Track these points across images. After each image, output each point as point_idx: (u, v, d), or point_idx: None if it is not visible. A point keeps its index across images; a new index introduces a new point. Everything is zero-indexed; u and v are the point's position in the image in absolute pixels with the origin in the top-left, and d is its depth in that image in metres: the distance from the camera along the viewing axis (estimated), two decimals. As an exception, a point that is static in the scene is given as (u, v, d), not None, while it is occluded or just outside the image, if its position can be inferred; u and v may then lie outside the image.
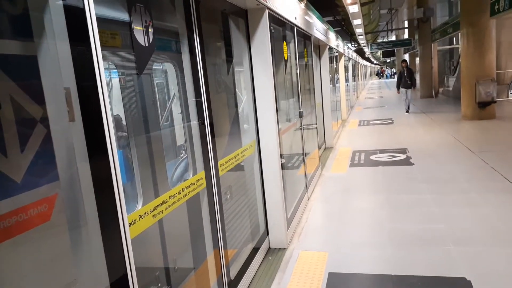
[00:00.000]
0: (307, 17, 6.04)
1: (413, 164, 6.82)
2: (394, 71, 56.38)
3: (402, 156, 7.41)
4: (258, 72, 3.75)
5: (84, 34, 1.52)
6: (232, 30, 3.65)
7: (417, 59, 23.27)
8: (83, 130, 1.53)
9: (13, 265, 2.16)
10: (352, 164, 7.23)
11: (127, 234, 1.67)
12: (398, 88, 14.40)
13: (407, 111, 14.02)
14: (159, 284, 2.87)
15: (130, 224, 1.77)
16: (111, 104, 1.91)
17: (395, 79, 19.00)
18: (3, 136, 2.06)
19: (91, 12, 1.53)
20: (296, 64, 5.30)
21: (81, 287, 1.94)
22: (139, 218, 1.92)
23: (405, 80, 13.91)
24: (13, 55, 1.96)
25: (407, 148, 8.03)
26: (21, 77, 2.17)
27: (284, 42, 4.67)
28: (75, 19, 1.51)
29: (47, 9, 1.54)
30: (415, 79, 14.62)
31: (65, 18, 1.49)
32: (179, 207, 2.39)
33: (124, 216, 1.65)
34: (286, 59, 4.70)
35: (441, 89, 21.24)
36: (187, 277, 2.99)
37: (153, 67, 3.45)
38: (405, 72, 13.97)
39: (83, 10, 1.51)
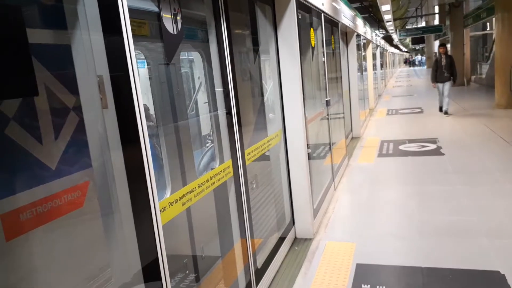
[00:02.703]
0: (334, 3, 5.91)
1: (443, 154, 6.63)
2: (423, 58, 54.63)
3: (432, 146, 7.22)
4: (284, 60, 3.71)
5: (116, 24, 1.53)
6: (258, 18, 3.62)
7: (448, 46, 22.48)
8: (116, 117, 1.55)
9: (48, 249, 2.24)
10: (380, 154, 7.10)
11: (159, 220, 1.69)
12: (433, 80, 10.77)
13: (443, 111, 10.74)
14: (187, 271, 2.92)
15: (160, 211, 1.79)
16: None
17: (423, 67, 17.05)
18: (39, 124, 2.12)
19: (124, 2, 1.55)
20: (323, 52, 5.21)
21: (113, 271, 1.99)
22: (169, 205, 1.94)
23: (443, 71, 10.42)
24: (48, 45, 2.00)
25: (437, 138, 7.81)
26: (55, 66, 2.22)
27: (311, 29, 4.59)
28: (108, 9, 1.52)
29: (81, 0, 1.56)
30: (456, 70, 10.54)
31: (98, 8, 1.50)
32: (206, 195, 2.41)
33: (156, 202, 1.67)
34: (313, 46, 4.62)
35: (473, 77, 20.49)
36: (214, 265, 3.03)
37: (180, 57, 3.46)
38: (443, 60, 10.44)
39: (115, 1, 1.53)
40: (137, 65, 1.64)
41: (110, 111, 1.57)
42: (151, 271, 1.73)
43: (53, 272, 2.26)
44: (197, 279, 2.90)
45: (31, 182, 2.08)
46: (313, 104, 4.71)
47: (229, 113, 2.67)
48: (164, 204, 1.88)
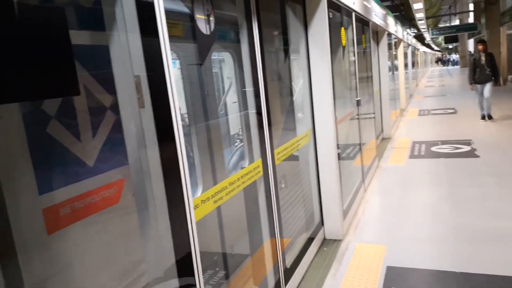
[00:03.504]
0: (365, 2, 5.83)
1: (478, 156, 6.41)
2: (457, 57, 52.88)
3: (466, 148, 6.99)
4: (315, 60, 3.69)
5: (153, 26, 1.57)
6: (289, 17, 3.61)
7: (484, 44, 21.65)
8: (152, 116, 1.59)
9: (85, 244, 2.31)
10: (412, 156, 6.93)
11: (192, 217, 1.73)
12: (471, 81, 9.64)
13: (484, 117, 9.49)
14: (217, 268, 2.96)
15: (194, 208, 1.83)
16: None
17: (456, 67, 15.90)
18: (77, 122, 2.20)
19: (160, 5, 1.59)
20: (354, 51, 5.14)
21: (148, 265, 2.04)
22: (202, 202, 1.97)
23: (483, 70, 9.29)
24: (86, 45, 2.08)
25: (471, 140, 7.55)
26: (93, 66, 2.30)
27: (342, 28, 4.54)
28: (145, 11, 1.57)
29: (119, 2, 1.61)
30: (498, 69, 9.53)
31: (136, 10, 1.55)
32: (237, 194, 2.43)
33: (190, 200, 1.71)
34: (344, 45, 4.57)
35: (510, 77, 19.68)
36: (243, 263, 3.05)
37: (211, 57, 3.51)
38: (482, 58, 9.35)
39: (152, 3, 1.57)
40: (173, 66, 1.68)
41: (146, 110, 1.62)
42: (184, 266, 1.76)
43: (89, 266, 2.34)
44: (227, 276, 2.93)
45: (70, 178, 2.16)
46: (343, 103, 4.66)
47: (259, 113, 2.69)
48: (197, 202, 1.92)
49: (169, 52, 1.62)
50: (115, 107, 2.35)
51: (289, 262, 3.03)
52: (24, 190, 1.92)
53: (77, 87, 1.36)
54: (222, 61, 5.76)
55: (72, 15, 1.88)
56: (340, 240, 3.86)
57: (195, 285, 1.80)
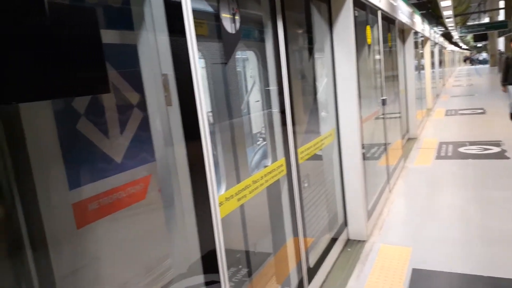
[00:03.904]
0: (391, 0, 5.73)
1: (508, 158, 6.20)
2: (486, 56, 51.21)
3: (496, 149, 6.77)
4: (340, 58, 3.66)
5: (181, 25, 1.60)
6: (313, 16, 3.59)
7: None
8: (179, 114, 1.61)
9: (112, 239, 2.36)
10: (438, 156, 6.77)
11: (218, 214, 1.74)
12: (504, 83, 9.10)
13: None
14: (240, 266, 2.97)
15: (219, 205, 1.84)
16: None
17: (485, 66, 14.79)
18: (106, 120, 2.25)
19: (187, 4, 1.61)
20: (379, 49, 5.07)
21: (173, 261, 2.07)
22: (226, 200, 1.99)
23: None
24: (115, 44, 2.12)
25: (501, 141, 7.31)
26: (121, 65, 2.34)
27: (368, 27, 4.48)
28: (173, 10, 1.59)
29: (147, 2, 1.64)
30: None
31: (164, 10, 1.57)
32: (260, 192, 2.44)
33: (215, 197, 1.73)
34: (369, 44, 4.51)
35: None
36: (266, 262, 3.06)
37: (235, 56, 3.52)
38: None
39: (180, 3, 1.59)
40: (202, 64, 1.70)
41: (174, 108, 1.64)
42: (209, 263, 1.78)
43: (116, 260, 2.39)
44: (249, 274, 2.94)
45: (98, 174, 2.21)
46: (369, 103, 4.60)
47: (282, 111, 2.68)
48: (221, 199, 1.93)
49: (196, 51, 1.64)
50: (142, 105, 2.39)
51: (312, 261, 3.01)
52: (55, 185, 1.98)
53: (107, 85, 1.39)
54: (245, 60, 5.78)
55: (102, 15, 1.93)
56: (364, 241, 3.81)
57: (219, 281, 1.82)
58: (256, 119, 5.14)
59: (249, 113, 5.48)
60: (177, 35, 1.62)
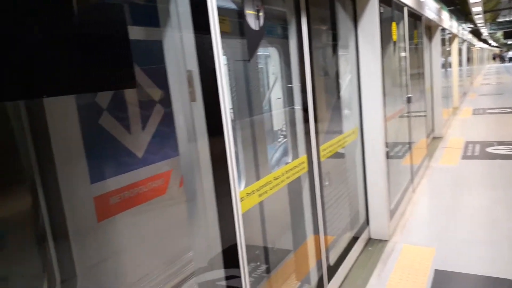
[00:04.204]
0: (418, -4, 5.61)
1: (539, 159, 5.99)
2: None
3: (526, 150, 6.55)
4: (364, 56, 3.61)
5: (205, 22, 1.61)
6: (337, 12, 3.56)
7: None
8: (203, 109, 1.63)
9: (133, 232, 2.40)
10: (465, 156, 6.60)
11: (239, 209, 1.76)
12: None
13: None
14: (258, 262, 2.99)
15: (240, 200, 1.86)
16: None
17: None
18: (128, 115, 2.29)
19: (212, 1, 1.62)
20: (405, 47, 4.97)
21: (195, 255, 2.09)
22: (247, 195, 2.00)
23: None
24: (140, 41, 2.16)
25: (532, 141, 7.07)
26: (144, 61, 2.38)
27: (393, 23, 4.40)
28: (198, 7, 1.61)
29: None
30: None
31: (189, 7, 1.59)
32: (281, 189, 2.44)
33: (237, 192, 1.74)
34: (394, 41, 4.43)
35: None
36: (285, 259, 3.06)
37: (257, 52, 3.53)
38: None
39: (205, 0, 1.61)
40: (224, 61, 1.71)
41: (198, 104, 1.66)
42: (229, 257, 1.80)
43: (137, 253, 2.44)
44: (268, 270, 2.95)
45: (120, 168, 2.26)
46: (393, 100, 4.52)
47: (305, 108, 2.67)
48: (242, 195, 1.95)
49: (220, 47, 1.65)
50: (164, 101, 2.42)
51: (332, 259, 3.00)
52: (78, 179, 2.02)
53: (134, 80, 1.43)
54: (267, 56, 5.78)
55: (129, 12, 1.96)
56: (386, 240, 3.76)
57: (239, 276, 1.84)
58: (277, 116, 5.14)
59: (270, 110, 5.48)
60: (201, 32, 1.64)
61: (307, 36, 2.60)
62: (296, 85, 2.69)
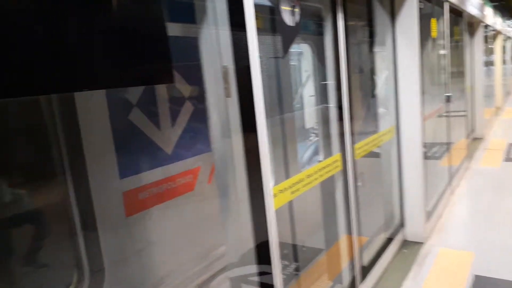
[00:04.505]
0: (460, -9, 5.39)
1: None
2: None
3: None
4: (402, 52, 3.51)
5: (242, 18, 1.62)
6: (374, 8, 3.48)
7: None
8: (238, 105, 1.64)
9: (162, 228, 2.42)
10: (508, 158, 6.29)
11: (271, 205, 1.75)
12: None
13: None
14: (290, 260, 2.98)
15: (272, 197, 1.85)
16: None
17: None
18: (158, 111, 2.30)
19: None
20: (445, 44, 4.80)
21: (226, 251, 2.11)
22: (279, 192, 1.99)
23: None
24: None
25: None
26: (175, 57, 2.38)
27: (433, 19, 4.26)
28: (235, 4, 1.61)
29: None
30: None
31: (226, 3, 1.60)
32: (313, 187, 2.41)
33: (270, 188, 1.74)
34: (434, 37, 4.29)
35: None
36: (317, 258, 3.03)
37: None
38: None
39: None
40: (259, 58, 1.70)
41: (233, 100, 1.67)
42: (261, 253, 1.80)
43: (166, 249, 2.46)
44: (300, 269, 2.93)
45: (149, 164, 2.27)
46: (431, 99, 4.38)
47: (340, 106, 2.63)
48: (275, 191, 1.94)
49: (255, 44, 1.65)
50: (193, 97, 2.43)
51: (366, 260, 2.94)
52: (107, 174, 2.05)
53: (171, 76, 1.45)
54: (299, 53, 5.73)
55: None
56: (421, 243, 3.65)
57: (270, 273, 1.83)
58: (309, 114, 5.09)
59: (302, 108, 5.43)
60: (237, 28, 1.65)
61: (343, 32, 2.56)
62: (330, 82, 2.66)
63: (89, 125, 1.96)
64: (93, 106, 1.98)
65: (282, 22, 2.12)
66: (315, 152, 4.54)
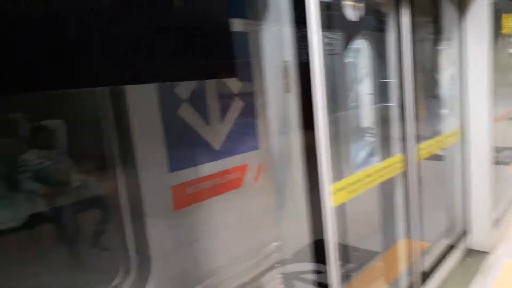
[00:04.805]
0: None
1: None
2: None
3: None
4: (471, 50, 3.31)
5: (304, 14, 1.61)
6: (440, 2, 3.31)
7: None
8: (298, 101, 1.63)
9: (209, 222, 2.41)
10: None
11: (329, 203, 1.73)
12: None
13: None
14: (345, 260, 2.91)
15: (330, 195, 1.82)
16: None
17: None
18: (207, 106, 2.30)
19: None
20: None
21: (278, 246, 2.08)
22: (337, 191, 1.96)
23: None
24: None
25: None
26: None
27: (505, 15, 3.97)
28: (298, 2, 1.61)
29: None
30: None
31: (290, 1, 1.60)
32: (372, 187, 2.34)
33: (328, 186, 1.71)
34: (507, 33, 4.00)
35: None
36: (373, 260, 2.94)
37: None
38: None
39: None
40: (321, 54, 1.67)
41: (292, 95, 1.67)
42: (317, 252, 1.78)
43: (212, 244, 2.45)
44: (353, 270, 2.86)
45: (197, 159, 2.28)
46: (502, 100, 4.08)
47: (402, 105, 2.54)
48: (332, 189, 1.91)
49: (318, 40, 1.63)
50: (244, 94, 2.39)
51: (426, 266, 2.82)
52: (157, 167, 2.09)
53: (234, 71, 1.47)
54: (356, 50, 5.55)
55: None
56: (487, 252, 3.43)
57: (324, 272, 1.81)
58: (366, 113, 4.93)
59: (358, 107, 5.28)
60: (300, 25, 1.64)
61: (408, 28, 2.46)
62: (391, 80, 2.57)
63: (140, 119, 2.00)
64: (144, 101, 2.03)
65: (343, 17, 2.08)
66: (371, 153, 4.40)
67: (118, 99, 1.99)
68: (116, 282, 2.01)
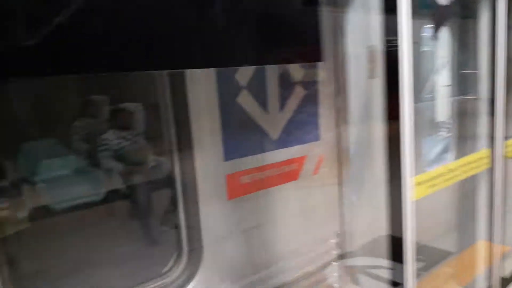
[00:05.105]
0: None
1: None
2: None
3: None
4: None
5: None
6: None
7: None
8: (383, 88, 1.55)
9: (263, 213, 2.35)
10: None
11: (409, 197, 1.64)
12: None
13: None
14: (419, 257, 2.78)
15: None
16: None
17: None
18: (266, 94, 2.21)
19: None
20: None
21: (341, 240, 2.02)
22: (417, 185, 1.86)
23: None
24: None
25: None
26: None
27: None
28: None
29: None
30: None
31: None
32: (454, 184, 2.20)
33: (409, 178, 1.62)
34: None
35: None
36: (446, 259, 2.80)
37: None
38: None
39: None
40: (411, 40, 1.56)
41: (377, 81, 1.60)
42: (393, 247, 1.71)
43: (265, 234, 2.40)
44: (426, 269, 2.74)
45: (254, 149, 2.21)
46: None
47: (490, 98, 2.33)
48: (413, 183, 1.82)
49: (407, 25, 1.52)
50: (306, 83, 2.24)
51: (506, 272, 2.62)
52: (213, 154, 2.06)
53: (320, 54, 1.44)
54: (432, 38, 5.19)
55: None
56: None
57: (394, 269, 1.74)
58: (442, 106, 4.63)
59: (433, 99, 4.97)
60: (388, 9, 1.55)
61: (505, 15, 2.24)
62: (475, 71, 2.37)
63: (198, 106, 1.98)
64: (203, 87, 2.00)
65: (433, 1, 1.95)
66: (445, 150, 4.14)
67: (179, 84, 1.99)
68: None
